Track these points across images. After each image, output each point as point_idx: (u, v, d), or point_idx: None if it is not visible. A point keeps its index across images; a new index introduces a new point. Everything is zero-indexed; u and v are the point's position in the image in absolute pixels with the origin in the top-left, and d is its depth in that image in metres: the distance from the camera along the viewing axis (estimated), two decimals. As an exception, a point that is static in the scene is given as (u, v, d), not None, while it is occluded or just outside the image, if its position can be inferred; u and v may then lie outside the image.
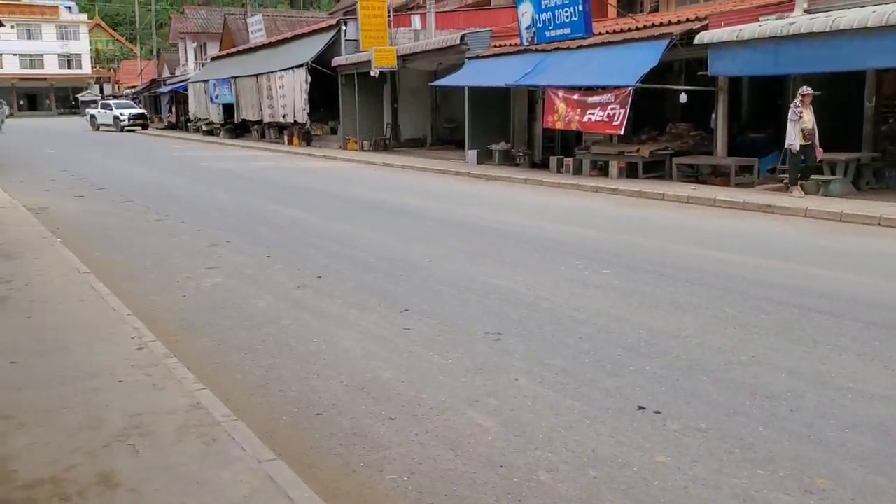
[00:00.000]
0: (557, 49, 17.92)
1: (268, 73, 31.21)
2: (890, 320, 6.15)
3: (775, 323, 6.08)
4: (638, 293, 7.08)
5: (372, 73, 24.98)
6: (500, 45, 20.66)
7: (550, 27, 17.76)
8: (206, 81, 39.31)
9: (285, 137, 31.14)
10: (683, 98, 15.49)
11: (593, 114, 16.20)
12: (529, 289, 7.27)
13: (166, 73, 56.49)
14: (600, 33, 17.31)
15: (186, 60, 51.93)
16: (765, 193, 13.49)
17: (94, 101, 60.06)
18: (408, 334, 5.95)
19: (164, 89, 51.29)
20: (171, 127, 48.97)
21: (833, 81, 13.65)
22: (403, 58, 24.58)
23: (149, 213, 12.61)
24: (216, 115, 38.53)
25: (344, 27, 28.17)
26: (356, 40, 27.32)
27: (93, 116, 48.86)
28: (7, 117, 54.80)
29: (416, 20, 28.29)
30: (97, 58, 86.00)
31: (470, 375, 5.04)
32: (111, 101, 50.68)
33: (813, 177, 13.23)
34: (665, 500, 3.48)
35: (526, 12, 18.53)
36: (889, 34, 11.46)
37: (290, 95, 29.33)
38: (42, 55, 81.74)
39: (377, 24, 27.11)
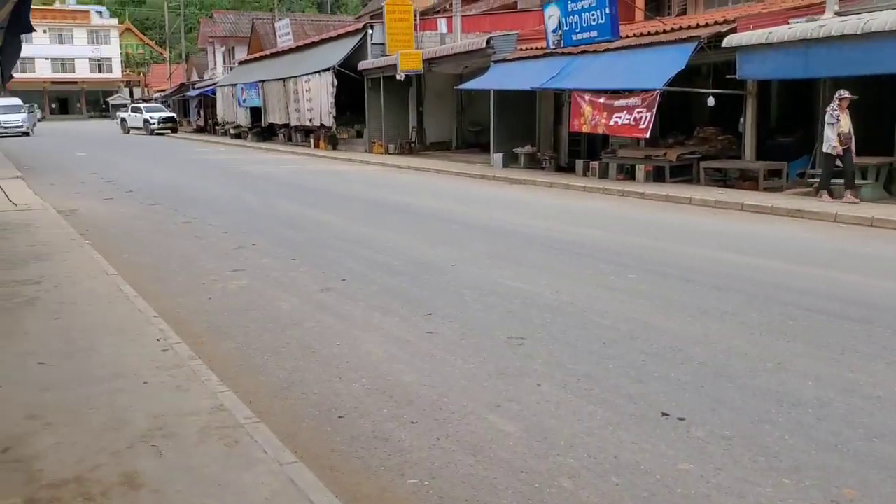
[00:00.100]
0: (584, 52, 17.85)
1: (295, 76, 31.41)
2: (921, 328, 6.04)
3: (803, 329, 6.00)
4: (663, 298, 7.02)
5: (398, 77, 25.05)
6: (526, 49, 20.60)
7: (577, 30, 17.67)
8: (233, 85, 39.67)
9: (311, 141, 31.34)
10: (711, 102, 15.33)
11: (620, 117, 16.11)
12: (554, 293, 7.23)
13: (195, 77, 57.04)
14: (627, 36, 17.21)
15: (215, 64, 52.43)
16: (794, 198, 13.32)
17: (125, 105, 61.01)
18: (430, 338, 5.95)
19: (192, 93, 51.81)
20: (200, 130, 49.45)
21: (864, 84, 13.43)
22: (429, 61, 24.63)
23: (176, 216, 12.75)
24: (244, 119, 38.87)
25: (370, 31, 28.27)
26: (382, 44, 27.45)
27: (123, 119, 49.59)
28: (39, 120, 55.82)
29: (442, 24, 28.28)
30: (127, 62, 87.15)
31: (492, 380, 5.03)
32: (141, 105, 51.37)
33: (836, 181, 12.99)
34: (688, 508, 3.44)
35: (552, 15, 18.46)
36: (922, 36, 11.28)
37: (316, 99, 29.50)
38: (73, 59, 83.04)
39: (403, 27, 27.21)
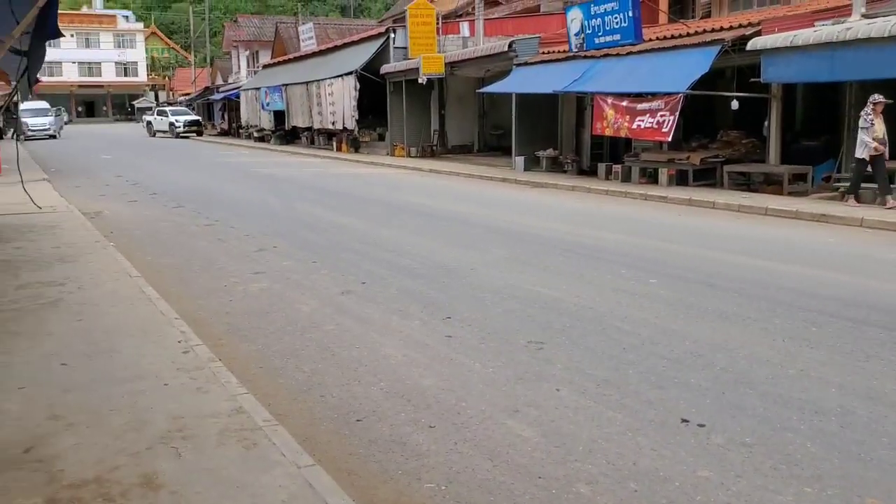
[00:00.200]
0: (607, 55, 17.79)
1: (318, 80, 31.58)
2: (948, 335, 5.94)
3: (826, 336, 5.93)
4: (684, 304, 6.96)
5: (420, 80, 25.11)
6: (549, 52, 20.57)
7: (600, 33, 17.62)
8: (257, 89, 39.95)
9: (334, 144, 31.49)
10: (735, 105, 15.21)
11: (642, 120, 16.04)
12: (574, 297, 7.20)
13: (219, 81, 57.58)
14: (650, 39, 17.13)
15: (239, 68, 52.88)
16: (819, 202, 13.16)
17: (150, 108, 61.64)
18: (449, 342, 5.94)
19: (217, 96, 52.25)
20: (224, 133, 49.83)
21: (891, 88, 13.27)
22: (451, 65, 24.67)
23: (199, 218, 12.84)
24: (267, 122, 39.12)
25: (393, 35, 28.37)
26: (405, 48, 27.53)
27: (149, 123, 50.11)
28: (66, 124, 56.53)
29: (464, 27, 28.33)
30: (153, 65, 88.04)
31: (511, 384, 5.01)
32: (167, 108, 51.85)
33: (866, 186, 12.85)
34: (707, 516, 3.41)
35: (575, 19, 18.42)
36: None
37: (339, 102, 29.65)
38: (100, 63, 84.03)
39: (426, 31, 27.28)
